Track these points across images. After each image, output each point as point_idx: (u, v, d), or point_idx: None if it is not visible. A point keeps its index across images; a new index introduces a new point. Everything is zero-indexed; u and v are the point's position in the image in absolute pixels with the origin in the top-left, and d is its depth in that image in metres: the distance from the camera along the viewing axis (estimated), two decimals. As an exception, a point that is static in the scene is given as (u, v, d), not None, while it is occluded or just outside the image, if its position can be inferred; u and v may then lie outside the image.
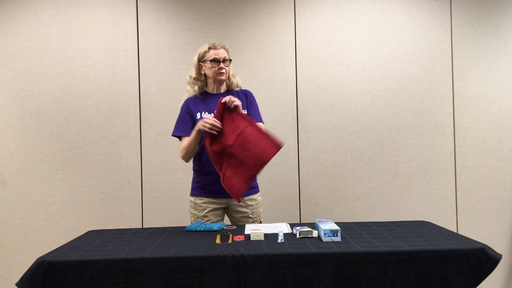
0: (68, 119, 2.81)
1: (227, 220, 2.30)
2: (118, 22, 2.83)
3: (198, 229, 2.06)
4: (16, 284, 1.57)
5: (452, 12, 2.93)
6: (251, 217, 2.26)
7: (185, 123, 2.18)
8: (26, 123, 2.80)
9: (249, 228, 2.02)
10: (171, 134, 2.23)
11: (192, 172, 2.28)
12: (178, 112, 2.75)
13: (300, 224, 2.14)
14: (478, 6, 2.94)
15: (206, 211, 2.19)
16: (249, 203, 2.25)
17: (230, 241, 1.79)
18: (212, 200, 2.19)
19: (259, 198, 2.33)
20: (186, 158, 2.16)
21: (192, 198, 2.24)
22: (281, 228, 2.05)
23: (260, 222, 2.31)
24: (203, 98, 2.21)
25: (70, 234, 2.71)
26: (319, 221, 1.96)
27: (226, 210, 2.29)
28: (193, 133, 2.06)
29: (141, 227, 2.79)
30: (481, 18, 2.94)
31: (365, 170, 2.90)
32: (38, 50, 2.80)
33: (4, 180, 2.79)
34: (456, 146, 2.93)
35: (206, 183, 2.19)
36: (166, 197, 2.84)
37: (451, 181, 2.92)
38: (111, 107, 2.82)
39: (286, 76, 2.86)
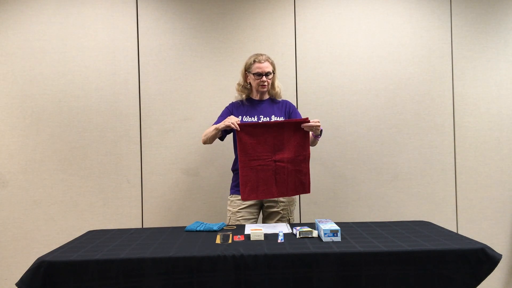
0: (68, 119, 2.81)
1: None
2: (118, 22, 2.83)
3: (198, 229, 2.06)
4: (16, 284, 1.57)
5: (452, 12, 2.93)
6: (280, 213, 2.36)
7: (224, 117, 2.35)
8: (26, 123, 2.80)
9: (249, 228, 2.02)
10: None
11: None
12: (177, 112, 2.84)
13: (300, 224, 2.15)
14: (478, 6, 2.94)
15: (240, 207, 2.33)
16: (282, 199, 2.37)
17: (230, 241, 1.79)
18: None
19: (293, 196, 2.43)
20: (203, 142, 2.34)
21: (230, 197, 2.41)
22: (281, 228, 2.05)
23: (289, 220, 2.39)
24: (247, 104, 2.42)
25: (70, 234, 2.71)
26: (319, 221, 1.96)
27: (262, 208, 2.42)
28: (214, 129, 2.26)
29: (141, 227, 2.79)
30: (481, 18, 2.94)
31: (365, 170, 2.90)
32: (38, 50, 2.80)
33: (4, 180, 2.79)
34: (456, 146, 2.93)
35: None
36: (166, 197, 2.84)
37: (451, 181, 2.92)
38: (111, 107, 2.82)
39: (286, 76, 2.86)
